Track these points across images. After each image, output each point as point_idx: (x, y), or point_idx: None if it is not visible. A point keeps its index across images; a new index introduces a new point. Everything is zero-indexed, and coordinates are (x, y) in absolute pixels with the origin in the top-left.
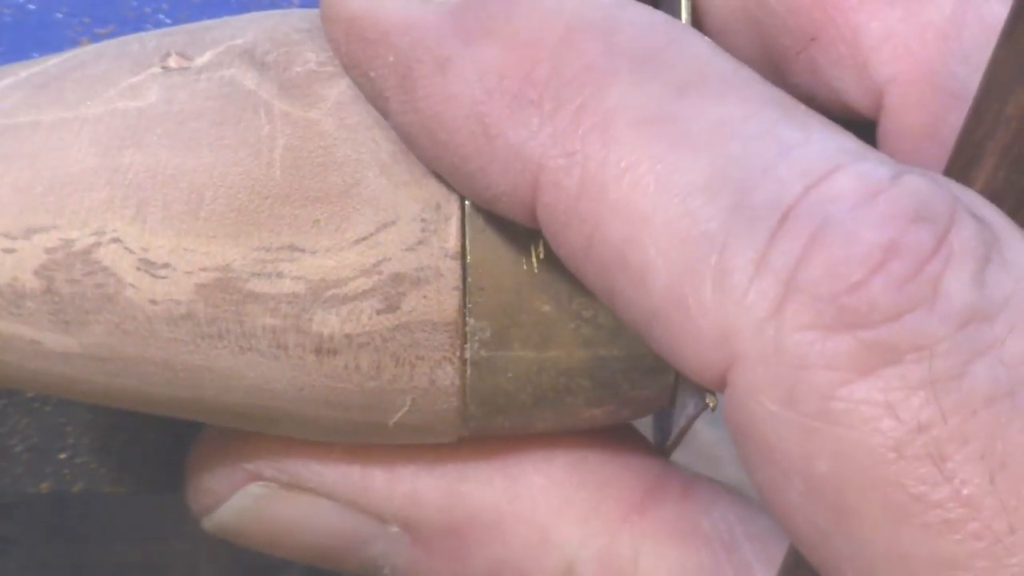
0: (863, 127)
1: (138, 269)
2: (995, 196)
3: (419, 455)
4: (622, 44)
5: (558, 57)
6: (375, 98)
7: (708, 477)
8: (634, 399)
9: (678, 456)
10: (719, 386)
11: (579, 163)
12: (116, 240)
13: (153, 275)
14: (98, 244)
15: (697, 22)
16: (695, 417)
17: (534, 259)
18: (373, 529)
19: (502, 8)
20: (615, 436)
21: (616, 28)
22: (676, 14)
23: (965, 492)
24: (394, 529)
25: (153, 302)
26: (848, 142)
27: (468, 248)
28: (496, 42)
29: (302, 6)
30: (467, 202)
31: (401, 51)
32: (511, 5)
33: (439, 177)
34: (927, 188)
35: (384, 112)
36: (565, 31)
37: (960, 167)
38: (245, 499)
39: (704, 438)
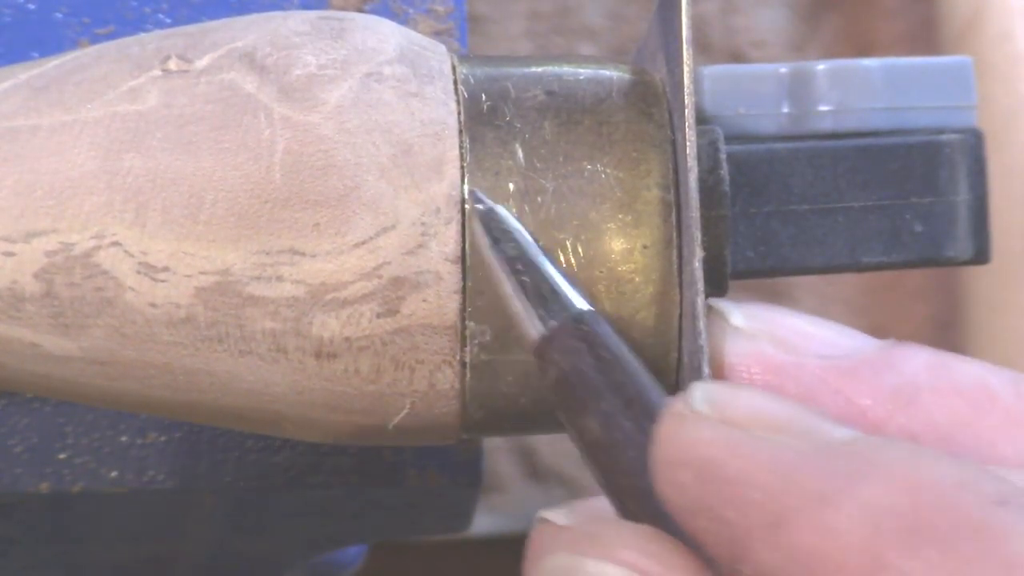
0: None
1: (138, 273)
2: None
3: None
4: (1012, 493)
5: (955, 495)
6: (728, 540)
7: None
8: None
9: None
10: None
11: None
12: (116, 244)
13: (153, 279)
14: (98, 248)
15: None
16: None
17: None
18: None
19: (883, 452)
20: None
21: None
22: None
23: None
24: None
25: (153, 306)
26: None
27: (468, 252)
28: (881, 480)
29: (302, 7)
30: (467, 206)
31: (771, 490)
32: (889, 446)
33: (439, 180)
34: None
35: (736, 554)
36: (958, 475)
37: None
38: None
39: None
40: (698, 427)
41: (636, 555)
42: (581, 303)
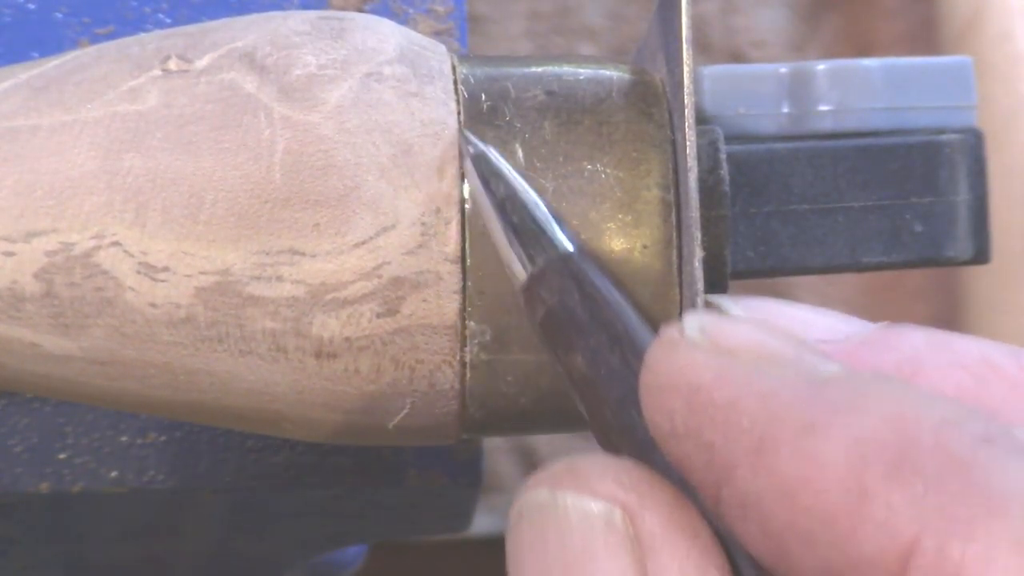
0: None
1: (138, 273)
2: None
3: None
4: (1000, 434)
5: (942, 432)
6: (712, 466)
7: None
8: None
9: None
10: None
11: (963, 541)
12: (116, 244)
13: (153, 279)
14: (98, 248)
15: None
16: None
17: None
18: None
19: (872, 386)
20: None
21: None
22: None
23: None
24: None
25: (153, 306)
26: None
27: (468, 252)
28: (869, 413)
29: (302, 7)
30: (467, 205)
31: (757, 417)
32: (878, 381)
33: (439, 180)
34: None
35: (720, 479)
36: (946, 412)
37: None
38: None
39: None
40: (690, 353)
41: (615, 488)
42: (569, 242)
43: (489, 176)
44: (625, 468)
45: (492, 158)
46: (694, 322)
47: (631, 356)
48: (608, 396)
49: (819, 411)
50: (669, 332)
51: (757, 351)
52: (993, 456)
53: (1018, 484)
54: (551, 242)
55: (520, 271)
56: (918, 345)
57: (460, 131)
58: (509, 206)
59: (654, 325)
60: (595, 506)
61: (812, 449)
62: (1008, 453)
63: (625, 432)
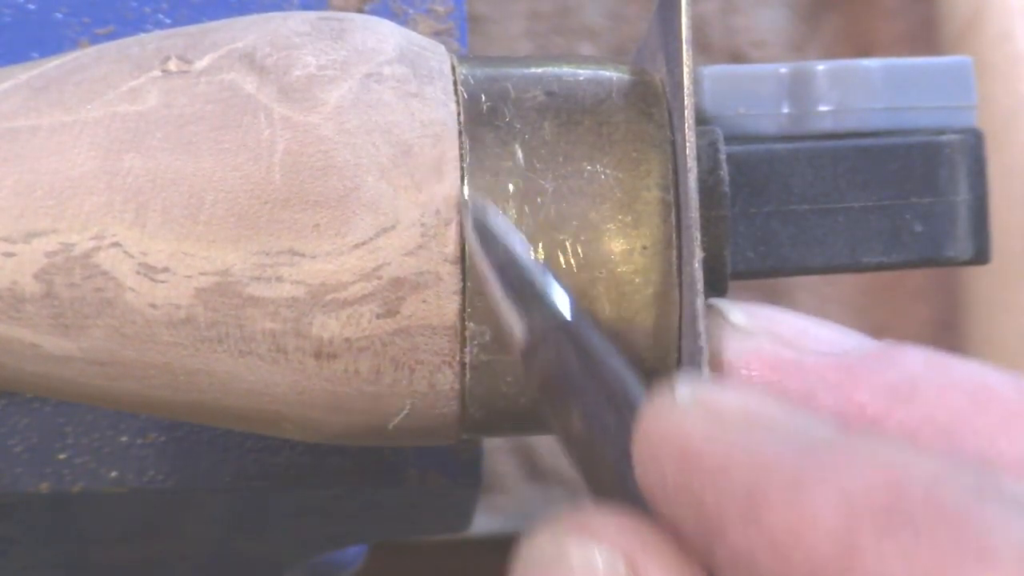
0: None
1: (138, 273)
2: None
3: None
4: (991, 487)
5: (933, 485)
6: (704, 521)
7: None
8: None
9: None
10: None
11: None
12: (116, 244)
13: (153, 279)
14: (98, 248)
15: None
16: None
17: None
18: None
19: (862, 443)
20: None
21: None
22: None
23: None
24: None
25: (153, 306)
26: None
27: (468, 253)
28: (859, 468)
29: (302, 7)
30: (467, 206)
31: (748, 475)
32: (869, 441)
33: (439, 181)
34: None
35: (712, 535)
36: (937, 467)
37: None
38: None
39: None
40: (681, 416)
41: (618, 536)
42: (568, 306)
43: (488, 236)
44: (629, 519)
45: (491, 217)
46: (685, 386)
47: (627, 415)
48: (604, 454)
49: (809, 468)
50: (662, 395)
51: (747, 415)
52: (984, 507)
53: (1009, 534)
54: (550, 307)
55: (519, 335)
56: (917, 366)
57: (460, 193)
58: (508, 269)
59: (649, 384)
60: (599, 553)
61: (802, 504)
62: (999, 504)
63: (622, 491)
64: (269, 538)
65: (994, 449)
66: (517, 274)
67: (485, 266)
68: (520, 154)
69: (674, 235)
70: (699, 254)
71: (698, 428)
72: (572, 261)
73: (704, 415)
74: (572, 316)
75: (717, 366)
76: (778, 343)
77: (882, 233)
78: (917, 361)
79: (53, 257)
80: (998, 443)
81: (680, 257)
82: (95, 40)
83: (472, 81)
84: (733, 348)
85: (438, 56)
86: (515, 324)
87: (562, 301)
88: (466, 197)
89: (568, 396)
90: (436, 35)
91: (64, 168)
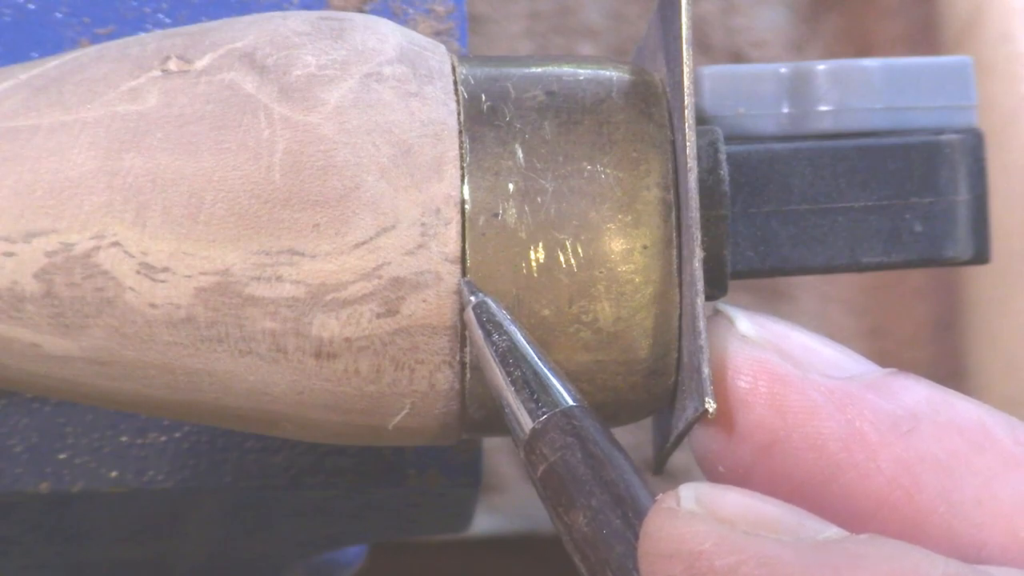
0: None
1: (138, 273)
2: None
3: None
4: None
5: None
6: None
7: None
8: (633, 402)
9: (678, 456)
10: None
11: None
12: (116, 244)
13: (153, 279)
14: (98, 248)
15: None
16: (694, 421)
17: (533, 264)
18: None
19: (871, 547)
20: None
21: None
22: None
23: None
24: None
25: (153, 306)
26: None
27: (468, 252)
28: (867, 570)
29: (302, 7)
30: (467, 206)
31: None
32: (876, 544)
33: (439, 181)
34: None
35: None
36: (945, 570)
37: None
38: None
39: None
40: (688, 521)
41: None
42: (571, 397)
43: (491, 326)
44: None
45: (493, 308)
46: (689, 492)
47: (633, 517)
48: (609, 556)
49: (820, 572)
50: (667, 501)
51: (754, 518)
52: None
53: None
54: (553, 396)
55: (522, 425)
56: (919, 400)
57: (460, 281)
58: (511, 359)
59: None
60: None
61: None
62: None
63: None
64: (269, 538)
65: (988, 492)
66: (520, 362)
67: (487, 354)
68: (520, 154)
69: (674, 235)
70: (699, 254)
71: (708, 533)
72: (572, 261)
73: (712, 520)
74: (576, 406)
75: (719, 372)
76: (785, 358)
77: (882, 233)
78: (919, 396)
79: (53, 257)
80: (993, 486)
81: (680, 257)
82: (95, 40)
83: (472, 81)
84: (738, 357)
85: (438, 56)
86: (517, 413)
87: (565, 391)
88: (467, 283)
89: (573, 494)
90: (436, 35)
91: (64, 168)
